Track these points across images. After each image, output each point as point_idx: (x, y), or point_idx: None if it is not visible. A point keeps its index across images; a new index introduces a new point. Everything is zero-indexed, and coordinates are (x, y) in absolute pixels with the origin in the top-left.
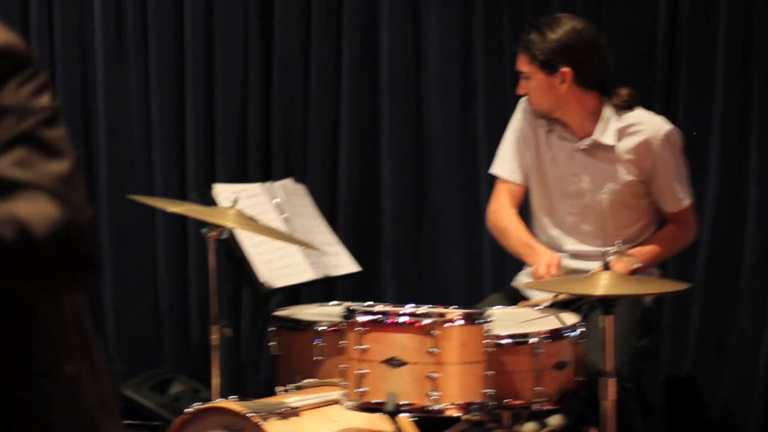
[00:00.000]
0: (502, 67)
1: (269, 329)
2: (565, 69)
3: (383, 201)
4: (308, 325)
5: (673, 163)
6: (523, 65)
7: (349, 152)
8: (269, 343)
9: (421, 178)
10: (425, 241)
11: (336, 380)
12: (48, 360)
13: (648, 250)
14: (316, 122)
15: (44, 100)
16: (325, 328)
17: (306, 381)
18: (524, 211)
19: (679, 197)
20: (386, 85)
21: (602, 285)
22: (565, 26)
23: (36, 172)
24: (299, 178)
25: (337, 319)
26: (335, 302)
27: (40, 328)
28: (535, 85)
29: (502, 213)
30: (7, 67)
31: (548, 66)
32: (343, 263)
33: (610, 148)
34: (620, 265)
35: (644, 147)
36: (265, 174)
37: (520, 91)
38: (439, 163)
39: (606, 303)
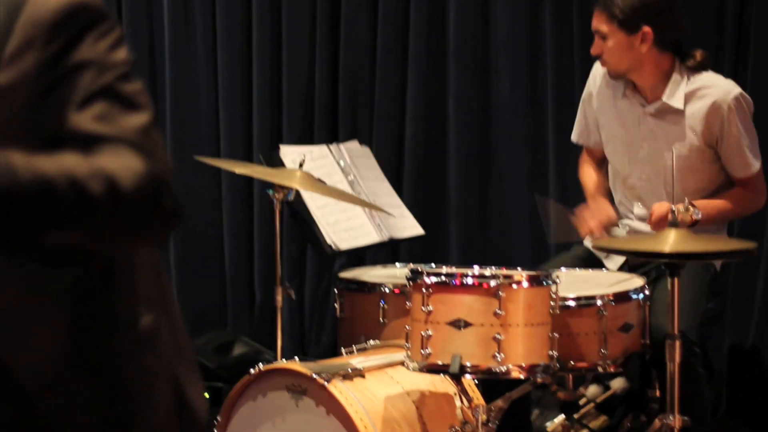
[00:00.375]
0: (571, 31)
1: (333, 291)
2: (646, 28)
3: (449, 164)
4: (373, 287)
5: (742, 128)
6: (601, 24)
7: (415, 115)
8: (333, 305)
9: (488, 142)
10: (491, 204)
11: (400, 342)
12: (129, 311)
13: (713, 204)
14: (383, 84)
15: (121, 54)
16: (390, 289)
17: (370, 342)
18: None
19: (748, 162)
20: (453, 47)
21: (669, 243)
22: None
23: (117, 126)
24: (365, 140)
25: (402, 281)
26: (400, 264)
27: (121, 280)
28: (612, 45)
29: (580, 168)
30: (83, 21)
31: (628, 25)
32: (408, 226)
33: (680, 112)
34: (682, 211)
35: (712, 110)
36: (331, 136)
37: (594, 51)
38: (505, 127)
39: (674, 265)
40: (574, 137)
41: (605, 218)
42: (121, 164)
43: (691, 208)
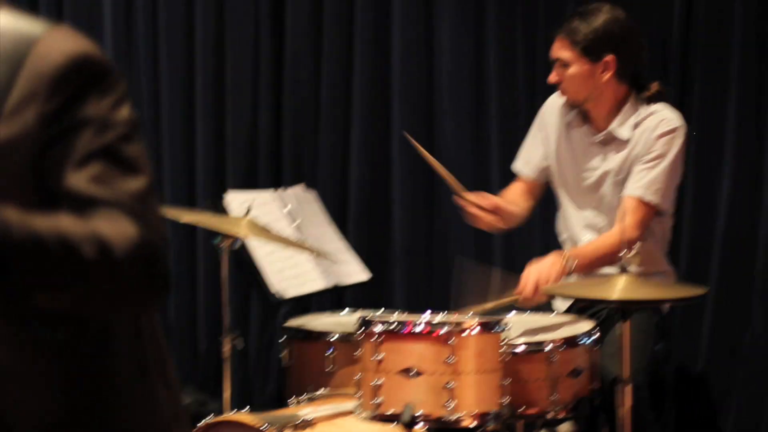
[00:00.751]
0: (515, 67)
1: (280, 340)
2: (609, 57)
3: (393, 206)
4: (320, 336)
5: (672, 156)
6: (563, 51)
7: (359, 156)
8: (280, 354)
9: (432, 183)
10: (436, 246)
11: (349, 391)
12: (127, 376)
13: (588, 248)
14: (327, 126)
15: (124, 112)
16: (338, 338)
17: (319, 392)
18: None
19: (645, 185)
20: (398, 86)
21: (618, 289)
22: (607, 14)
23: (114, 189)
24: (310, 183)
25: (350, 329)
26: (346, 310)
27: (118, 344)
28: (574, 73)
29: (507, 189)
30: (87, 77)
31: (592, 53)
32: (354, 271)
33: (624, 142)
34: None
35: (655, 136)
36: (275, 179)
37: (552, 79)
38: (451, 165)
39: (625, 309)
40: (519, 166)
41: (549, 278)
42: (115, 229)
43: (570, 261)
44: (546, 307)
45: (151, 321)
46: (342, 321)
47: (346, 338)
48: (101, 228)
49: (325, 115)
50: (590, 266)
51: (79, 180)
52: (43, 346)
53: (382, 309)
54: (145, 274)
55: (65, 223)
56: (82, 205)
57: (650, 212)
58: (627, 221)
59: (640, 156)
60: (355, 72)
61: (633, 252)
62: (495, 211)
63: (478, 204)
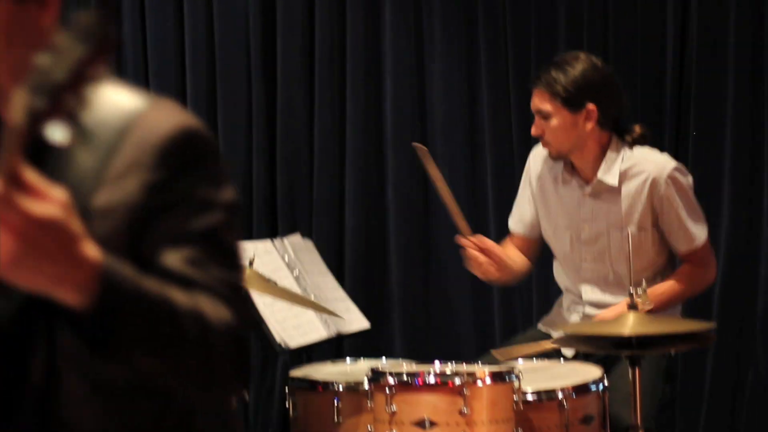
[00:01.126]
0: (509, 113)
1: (277, 390)
2: (591, 106)
3: (390, 254)
4: (326, 386)
5: (681, 201)
6: (543, 103)
7: (354, 205)
8: (279, 404)
9: (428, 229)
10: (433, 293)
11: None
12: None
13: (662, 290)
14: (321, 175)
15: (227, 194)
16: (344, 388)
17: None
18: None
19: (690, 235)
20: (391, 135)
21: (629, 326)
22: (584, 63)
23: (209, 275)
24: (305, 231)
25: (356, 379)
26: (348, 360)
27: (202, 425)
28: (556, 124)
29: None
30: (193, 153)
31: (572, 103)
32: (354, 320)
33: (615, 189)
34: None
35: (650, 189)
36: (271, 228)
37: (535, 132)
38: (445, 212)
39: (635, 356)
40: (512, 224)
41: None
42: (214, 310)
43: (645, 300)
44: (554, 354)
45: (230, 406)
46: (347, 370)
47: (354, 388)
48: (202, 305)
49: (318, 163)
50: (663, 307)
51: (175, 259)
52: (129, 417)
53: (383, 358)
54: (234, 359)
55: (173, 291)
56: (177, 282)
57: (706, 246)
58: (700, 267)
59: (654, 210)
60: (348, 119)
61: (641, 290)
62: (490, 256)
63: (478, 246)
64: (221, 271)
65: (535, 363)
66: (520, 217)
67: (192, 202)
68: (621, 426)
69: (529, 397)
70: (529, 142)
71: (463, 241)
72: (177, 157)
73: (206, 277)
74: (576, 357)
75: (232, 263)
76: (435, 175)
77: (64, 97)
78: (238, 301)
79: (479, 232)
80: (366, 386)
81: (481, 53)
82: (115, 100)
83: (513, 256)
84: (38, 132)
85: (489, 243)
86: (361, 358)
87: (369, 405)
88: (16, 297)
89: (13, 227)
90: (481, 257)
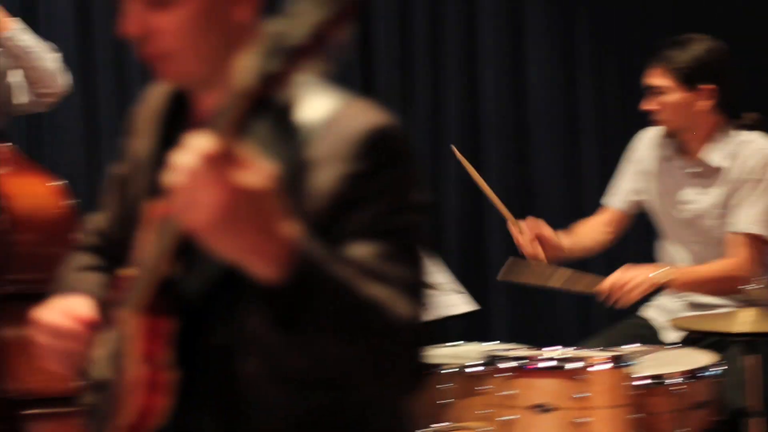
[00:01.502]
0: (607, 98)
1: None
2: (710, 86)
3: (491, 238)
4: (434, 368)
5: (763, 186)
6: (659, 79)
7: (455, 190)
8: None
9: (528, 214)
10: None
11: (471, 425)
12: None
13: (691, 270)
14: (421, 163)
15: (419, 195)
16: (453, 371)
17: (440, 425)
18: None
19: (753, 220)
20: (489, 122)
21: (743, 322)
22: (705, 43)
23: (396, 271)
24: None
25: (461, 361)
26: (459, 342)
27: (378, 423)
28: (671, 101)
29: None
30: (389, 150)
31: (690, 81)
32: (458, 302)
33: (720, 172)
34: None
35: (752, 167)
36: None
37: (647, 105)
38: (544, 199)
39: (754, 343)
40: (606, 198)
41: (633, 283)
42: (397, 305)
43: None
44: (650, 338)
45: (407, 408)
46: (453, 353)
47: (461, 371)
48: (387, 300)
49: (417, 152)
50: (688, 287)
51: (365, 252)
52: (305, 408)
53: (497, 342)
54: (412, 358)
55: (361, 280)
56: (365, 273)
57: (762, 245)
58: (741, 256)
59: (740, 187)
60: (446, 109)
61: (760, 285)
62: (541, 240)
63: (523, 232)
64: (408, 270)
65: (648, 348)
66: (615, 192)
67: (387, 199)
68: (736, 411)
69: (644, 383)
70: (627, 129)
71: (511, 228)
72: (374, 154)
73: (394, 274)
74: (685, 342)
75: (418, 263)
76: (472, 172)
77: (300, 60)
78: (420, 301)
79: (578, 218)
80: (477, 369)
81: (581, 37)
82: (318, 97)
83: (591, 232)
84: (269, 94)
85: (539, 228)
86: (462, 341)
87: (481, 388)
88: (203, 275)
89: (221, 191)
90: (528, 246)
